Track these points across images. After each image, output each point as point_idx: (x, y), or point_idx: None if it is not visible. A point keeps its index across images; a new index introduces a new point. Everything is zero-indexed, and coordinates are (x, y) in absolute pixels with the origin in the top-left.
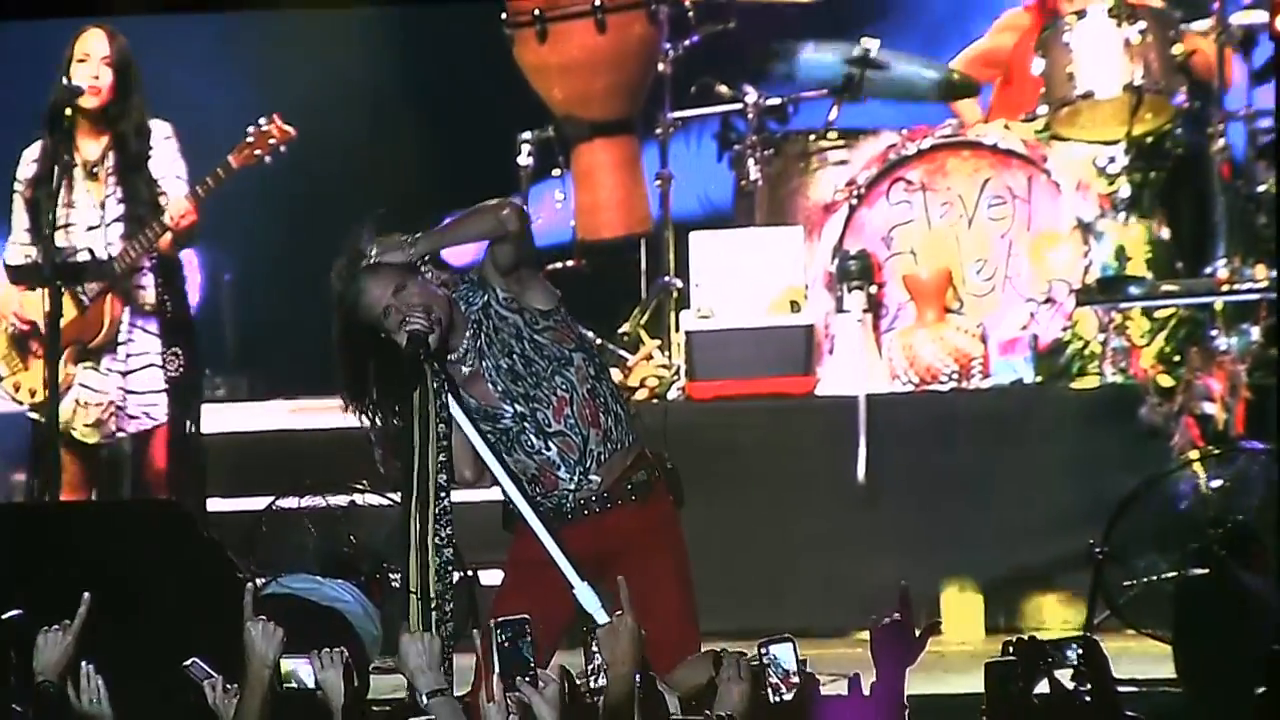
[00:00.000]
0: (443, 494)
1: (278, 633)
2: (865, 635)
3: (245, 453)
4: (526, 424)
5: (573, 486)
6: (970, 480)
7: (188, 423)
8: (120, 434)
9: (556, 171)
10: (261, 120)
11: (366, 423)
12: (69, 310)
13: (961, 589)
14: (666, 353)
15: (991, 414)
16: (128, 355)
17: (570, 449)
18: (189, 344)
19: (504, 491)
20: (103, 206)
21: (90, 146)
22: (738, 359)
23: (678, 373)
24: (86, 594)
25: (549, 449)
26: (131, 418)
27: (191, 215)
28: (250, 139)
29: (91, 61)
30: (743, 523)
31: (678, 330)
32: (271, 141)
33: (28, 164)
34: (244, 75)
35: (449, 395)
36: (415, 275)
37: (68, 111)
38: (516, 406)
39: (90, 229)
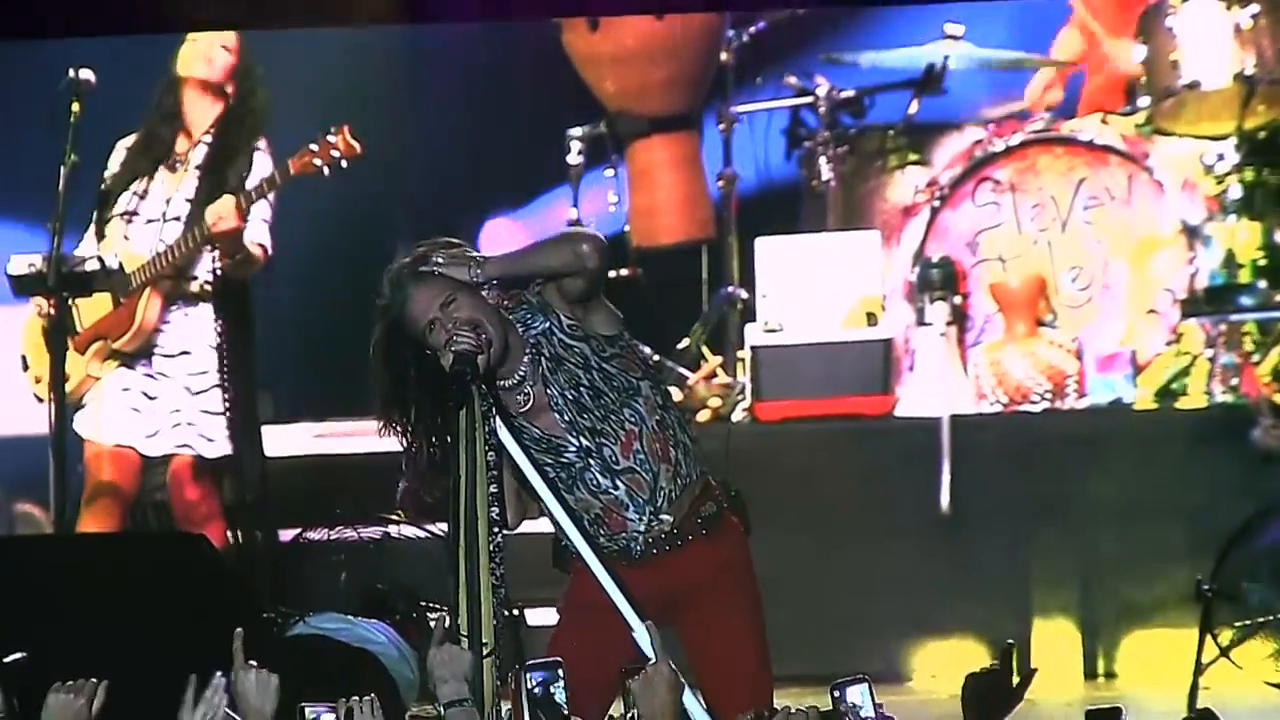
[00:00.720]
0: (495, 529)
1: (273, 681)
2: (953, 679)
3: (270, 480)
4: (592, 460)
5: (642, 528)
6: (1064, 510)
7: (255, 453)
8: (184, 449)
9: (610, 171)
10: (331, 130)
11: (402, 445)
12: (102, 305)
13: (1055, 630)
14: (730, 370)
15: (1088, 437)
16: (190, 373)
17: (640, 487)
18: (250, 367)
19: (559, 529)
20: (167, 202)
21: (201, 113)
22: (808, 377)
23: (742, 392)
24: (105, 682)
25: (616, 487)
26: (208, 440)
27: (234, 219)
28: (315, 147)
29: (206, 44)
30: (815, 557)
31: (743, 346)
32: (335, 154)
33: (118, 153)
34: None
35: (498, 421)
36: (468, 290)
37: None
38: (582, 440)
39: (149, 222)
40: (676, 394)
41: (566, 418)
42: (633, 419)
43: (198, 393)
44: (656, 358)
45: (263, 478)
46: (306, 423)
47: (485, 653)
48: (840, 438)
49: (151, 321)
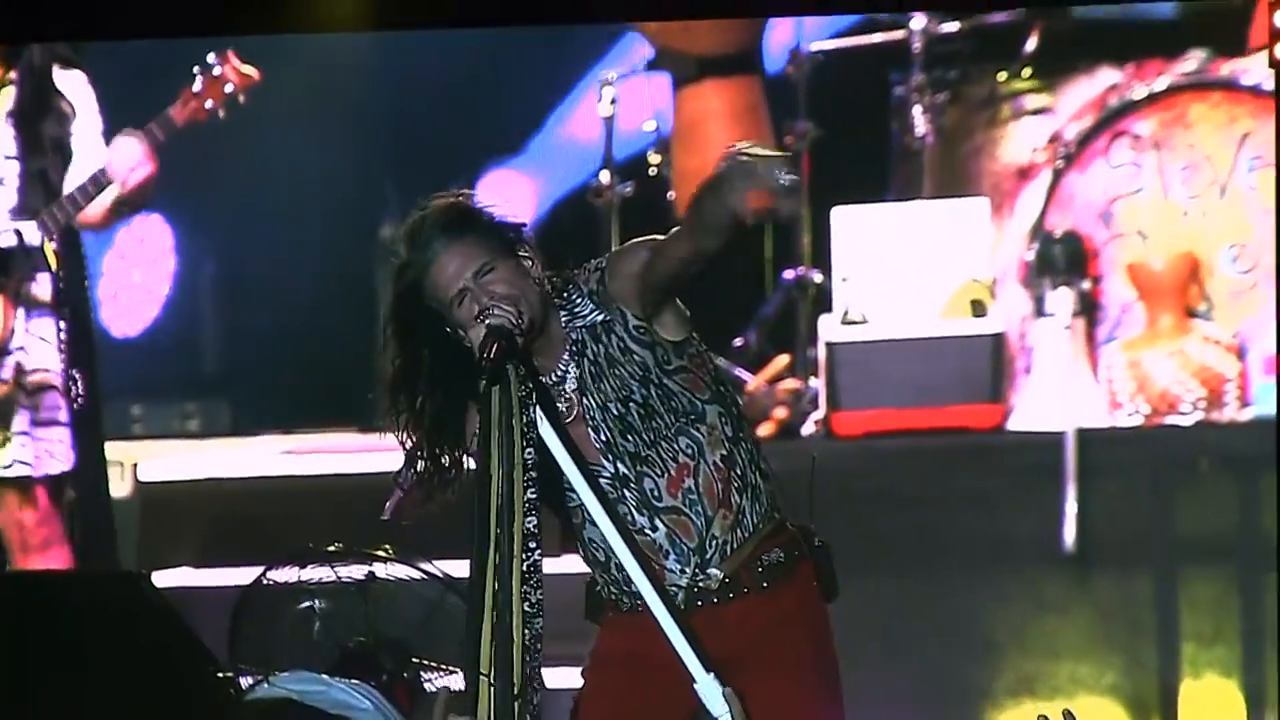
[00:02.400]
0: (532, 544)
1: None
2: None
3: (226, 507)
4: (628, 491)
5: (683, 582)
6: (1220, 544)
7: (97, 473)
8: (23, 467)
9: (650, 124)
10: (211, 59)
11: (405, 442)
12: None
13: (1210, 696)
14: (800, 373)
15: (1251, 457)
16: (24, 370)
17: (685, 533)
18: (89, 361)
19: (598, 565)
20: None
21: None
22: (898, 381)
23: (815, 400)
24: None
25: (655, 528)
26: (41, 457)
27: (148, 166)
28: (198, 87)
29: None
30: (905, 607)
31: (816, 341)
32: (228, 89)
33: None
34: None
35: (539, 413)
36: (510, 258)
37: None
38: (619, 466)
39: None
40: None
41: (604, 437)
42: (689, 450)
43: (31, 399)
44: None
45: (106, 497)
46: (271, 435)
47: (514, 696)
48: (937, 457)
49: (11, 320)
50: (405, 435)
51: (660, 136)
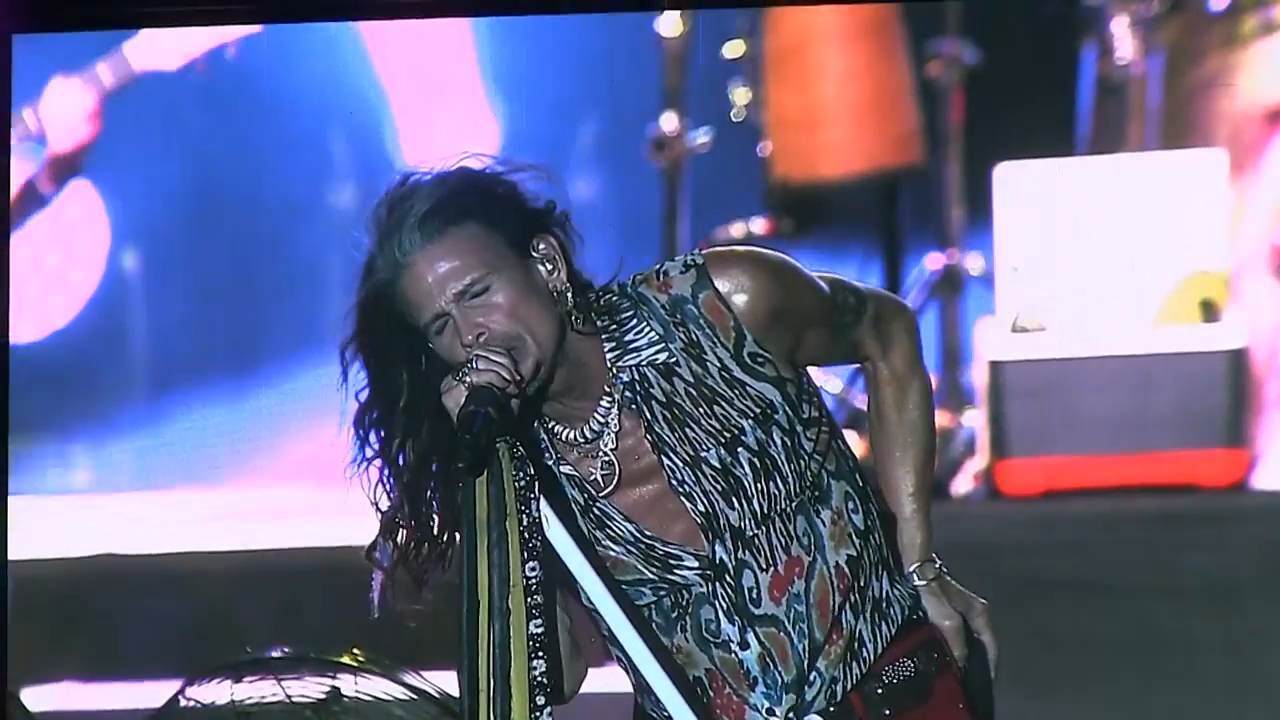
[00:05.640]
0: (540, 697)
1: None
2: None
3: (127, 594)
4: (722, 586)
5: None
6: None
7: None
8: None
9: (735, 49)
10: None
11: (380, 498)
12: None
13: None
14: (950, 404)
15: None
16: None
17: (781, 655)
18: None
19: (646, 701)
20: None
21: None
22: (1093, 416)
23: (972, 445)
24: None
25: (746, 645)
26: None
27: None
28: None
29: None
30: None
31: (972, 358)
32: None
33: None
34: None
35: (544, 510)
36: (519, 264)
37: None
38: (718, 549)
39: None
40: (854, 441)
41: (703, 506)
42: (805, 539)
43: None
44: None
45: None
46: (191, 491)
47: None
48: (1150, 526)
49: None
50: (379, 493)
51: (749, 64)
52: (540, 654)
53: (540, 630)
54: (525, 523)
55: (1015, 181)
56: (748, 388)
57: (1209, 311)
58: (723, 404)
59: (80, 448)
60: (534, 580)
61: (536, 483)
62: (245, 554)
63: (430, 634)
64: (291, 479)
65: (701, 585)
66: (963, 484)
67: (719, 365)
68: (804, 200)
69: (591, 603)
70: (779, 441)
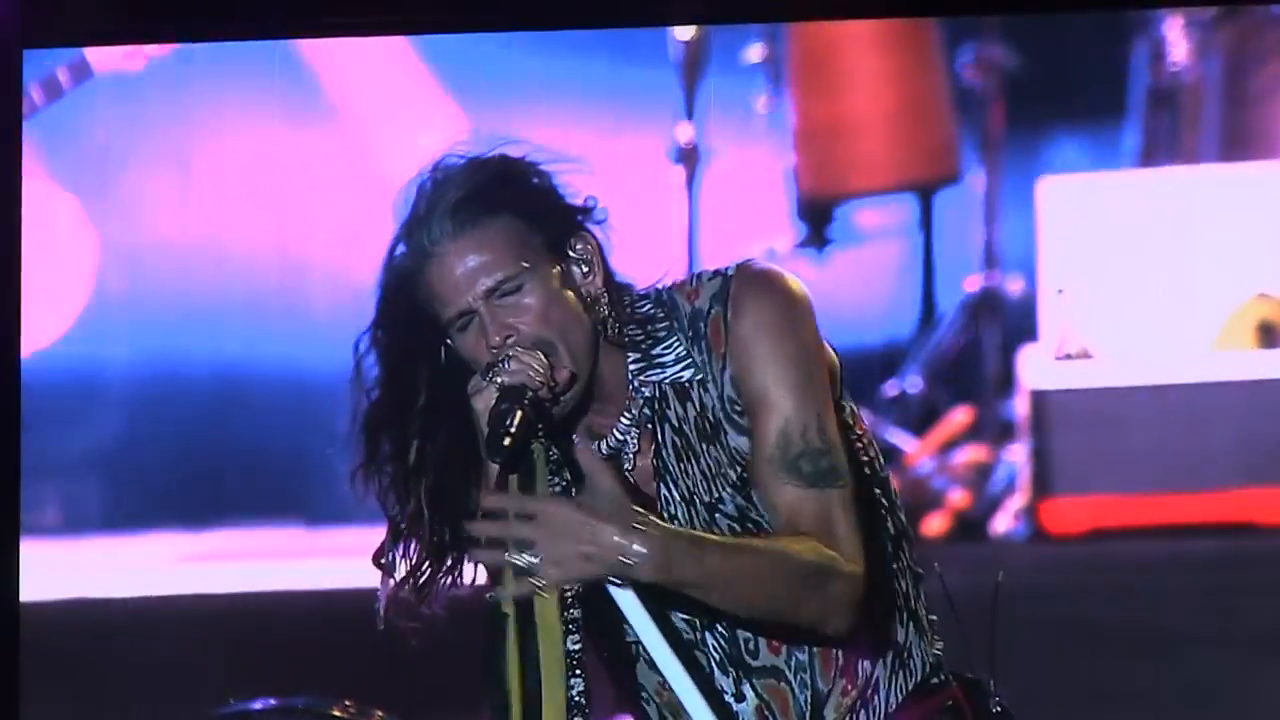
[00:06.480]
0: (574, 641)
1: None
2: None
3: (93, 643)
4: (713, 636)
5: None
6: None
7: None
8: None
9: (756, 54)
10: None
11: (389, 509)
12: None
13: None
14: (990, 436)
15: None
16: None
17: (783, 706)
18: None
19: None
20: None
21: None
22: (1144, 450)
23: (1013, 481)
24: None
25: (741, 697)
26: None
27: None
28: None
29: None
30: None
31: (1015, 389)
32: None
33: None
34: None
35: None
36: (554, 264)
37: None
38: None
39: None
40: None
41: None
42: None
43: None
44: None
45: None
46: (162, 534)
47: None
48: (1207, 571)
49: None
50: (390, 499)
51: (771, 69)
52: (578, 672)
53: (578, 648)
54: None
55: (1060, 196)
56: (727, 437)
57: (1268, 336)
58: (716, 447)
59: (48, 485)
60: (570, 594)
61: (572, 489)
62: (223, 599)
63: (424, 682)
64: (278, 518)
65: (689, 632)
66: (1003, 523)
67: (712, 403)
68: (831, 216)
69: (628, 627)
70: (759, 504)
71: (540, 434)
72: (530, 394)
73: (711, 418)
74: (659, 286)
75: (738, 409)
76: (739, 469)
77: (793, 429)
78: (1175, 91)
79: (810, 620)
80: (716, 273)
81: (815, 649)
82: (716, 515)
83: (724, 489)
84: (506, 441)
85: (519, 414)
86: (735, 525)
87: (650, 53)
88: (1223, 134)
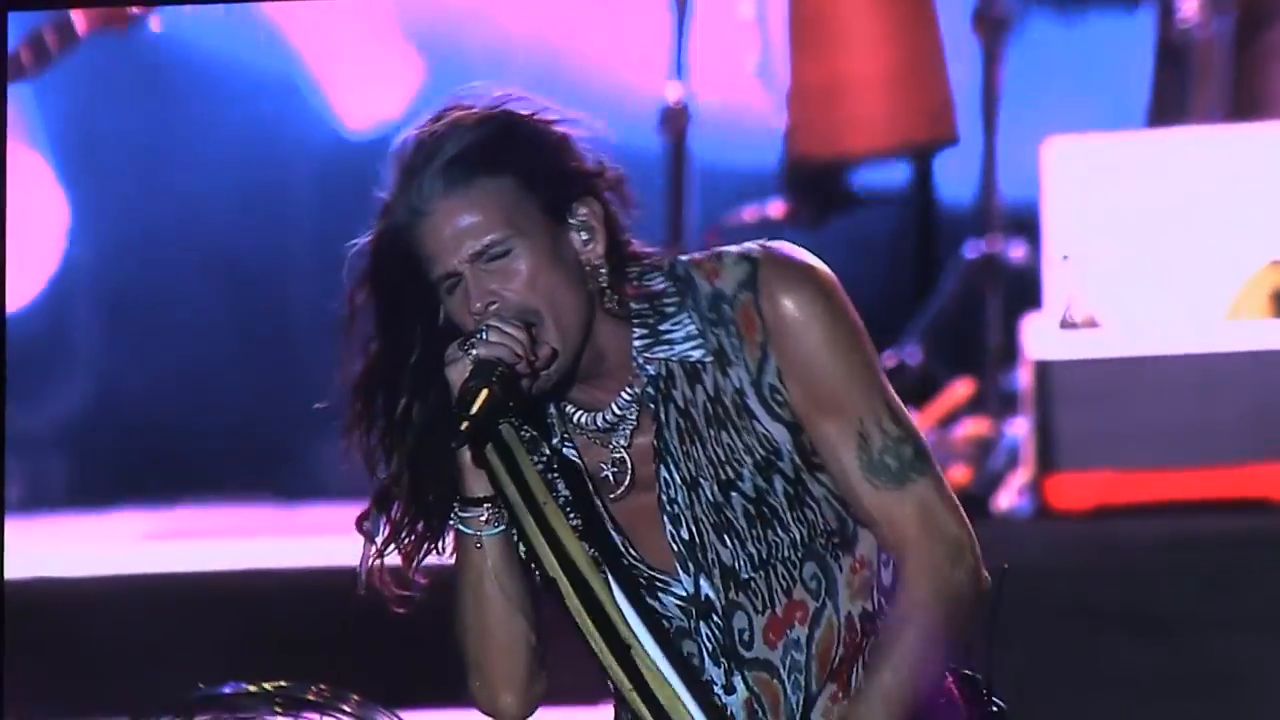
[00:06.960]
0: None
1: None
2: None
3: (54, 624)
4: (707, 625)
5: None
6: None
7: None
8: None
9: (747, 9)
10: None
11: (376, 470)
12: None
13: None
14: (992, 409)
15: None
16: None
17: (772, 704)
18: None
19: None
20: None
21: None
22: (1154, 424)
23: (1016, 456)
24: None
25: (731, 689)
26: None
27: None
28: None
29: None
30: None
31: (1015, 358)
32: None
33: None
34: None
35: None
36: (549, 230)
37: None
38: (701, 583)
39: None
40: None
41: (687, 533)
42: (814, 583)
43: None
44: None
45: None
46: (125, 512)
47: None
48: (1218, 550)
49: None
50: (377, 460)
51: (764, 31)
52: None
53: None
54: (560, 503)
55: (1065, 158)
56: (756, 422)
57: None
58: (730, 432)
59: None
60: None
61: (553, 465)
62: (190, 578)
63: (403, 667)
64: (249, 495)
65: (683, 620)
66: (1005, 500)
67: (736, 386)
68: (825, 180)
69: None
70: (781, 490)
71: (510, 412)
72: (501, 369)
73: (731, 403)
74: (675, 260)
75: (779, 398)
76: (766, 451)
77: (869, 427)
78: (1186, 49)
79: (970, 624)
80: (741, 255)
81: (815, 651)
82: (732, 495)
83: (742, 468)
84: (464, 425)
85: (483, 395)
86: (750, 507)
87: (639, 8)
88: (1236, 93)
